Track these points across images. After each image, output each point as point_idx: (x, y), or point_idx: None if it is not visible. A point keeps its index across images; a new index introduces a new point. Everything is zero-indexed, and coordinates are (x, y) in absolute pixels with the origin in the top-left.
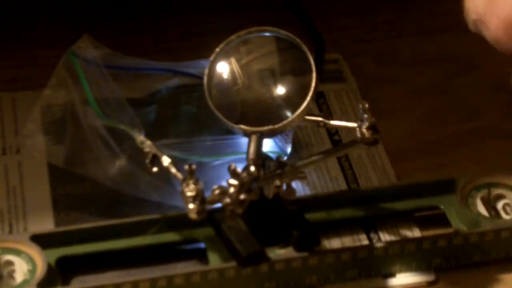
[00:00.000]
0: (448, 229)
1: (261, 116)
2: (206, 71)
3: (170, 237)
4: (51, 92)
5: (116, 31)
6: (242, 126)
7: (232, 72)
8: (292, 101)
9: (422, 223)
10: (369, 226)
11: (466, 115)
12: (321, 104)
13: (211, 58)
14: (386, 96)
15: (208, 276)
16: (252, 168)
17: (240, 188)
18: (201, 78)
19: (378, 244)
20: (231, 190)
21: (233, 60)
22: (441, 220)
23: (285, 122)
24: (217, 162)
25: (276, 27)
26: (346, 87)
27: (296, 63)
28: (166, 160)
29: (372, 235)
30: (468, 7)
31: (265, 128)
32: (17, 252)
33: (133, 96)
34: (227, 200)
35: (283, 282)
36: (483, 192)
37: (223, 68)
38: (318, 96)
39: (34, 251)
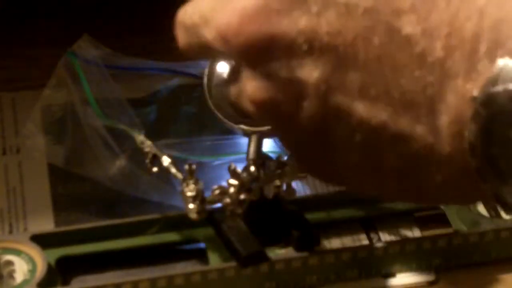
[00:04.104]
0: (448, 229)
1: None
2: (206, 71)
3: (170, 237)
4: (51, 92)
5: (116, 31)
6: (242, 126)
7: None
8: None
9: (422, 223)
10: (369, 226)
11: None
12: None
13: None
14: None
15: (208, 276)
16: (252, 168)
17: (240, 188)
18: (201, 78)
19: (378, 244)
20: (231, 190)
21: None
22: (441, 220)
23: None
24: (217, 162)
25: None
26: None
27: None
28: (166, 160)
29: (372, 235)
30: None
31: (265, 128)
32: (17, 252)
33: (133, 96)
34: (227, 200)
35: (283, 282)
36: None
37: (223, 68)
38: None
39: (34, 251)
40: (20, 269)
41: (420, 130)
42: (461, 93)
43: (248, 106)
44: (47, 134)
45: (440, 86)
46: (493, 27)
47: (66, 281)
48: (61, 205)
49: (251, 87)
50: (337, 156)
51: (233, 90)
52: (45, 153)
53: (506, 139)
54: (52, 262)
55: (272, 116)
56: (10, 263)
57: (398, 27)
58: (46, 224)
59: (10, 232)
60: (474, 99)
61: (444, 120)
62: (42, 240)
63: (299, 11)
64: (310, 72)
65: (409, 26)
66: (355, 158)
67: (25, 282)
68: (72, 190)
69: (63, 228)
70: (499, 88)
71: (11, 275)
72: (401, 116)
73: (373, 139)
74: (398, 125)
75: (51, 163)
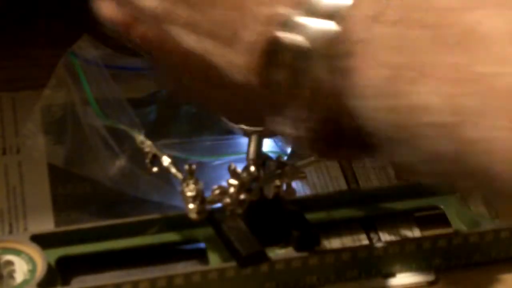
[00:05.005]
0: (448, 229)
1: None
2: None
3: (170, 237)
4: (51, 92)
5: None
6: (242, 126)
7: None
8: None
9: (422, 223)
10: (369, 226)
11: None
12: None
13: None
14: None
15: (208, 276)
16: (252, 168)
17: (240, 188)
18: None
19: (378, 244)
20: (231, 190)
21: None
22: (441, 220)
23: None
24: (217, 162)
25: None
26: None
27: None
28: (166, 160)
29: (372, 235)
30: None
31: (265, 128)
32: (17, 252)
33: (133, 96)
34: (227, 200)
35: (283, 282)
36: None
37: None
38: None
39: (34, 251)
40: (20, 269)
41: (224, 55)
42: (257, 29)
43: (104, 21)
44: (47, 134)
45: (242, 23)
46: None
47: (66, 281)
48: (61, 205)
49: (106, 6)
50: (176, 73)
51: (95, 4)
52: (45, 153)
53: (286, 64)
54: (52, 262)
55: (118, 32)
56: (10, 263)
57: None
58: (46, 224)
59: (10, 232)
60: (265, 31)
61: (244, 47)
62: (42, 240)
63: None
64: (153, 2)
65: None
66: (188, 76)
67: (25, 282)
68: (72, 190)
69: (63, 228)
70: (282, 22)
71: (11, 275)
72: (211, 44)
73: (195, 62)
74: (208, 51)
75: (51, 163)
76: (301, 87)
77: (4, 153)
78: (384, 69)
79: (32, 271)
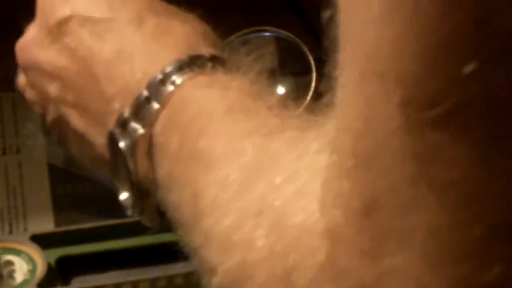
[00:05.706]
0: None
1: None
2: None
3: (170, 237)
4: None
5: None
6: None
7: None
8: (292, 101)
9: None
10: None
11: None
12: None
13: None
14: None
15: None
16: None
17: None
18: None
19: None
20: None
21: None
22: None
23: None
24: None
25: (276, 27)
26: None
27: (296, 63)
28: None
29: None
30: None
31: None
32: (17, 252)
33: None
34: None
35: None
36: None
37: None
38: (318, 96)
39: (34, 251)
40: (20, 269)
41: (96, 134)
42: (109, 123)
43: (29, 101)
44: (47, 134)
45: (104, 116)
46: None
47: (66, 281)
48: (61, 205)
49: (26, 89)
50: (71, 140)
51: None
52: (45, 153)
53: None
54: (52, 262)
55: (36, 108)
56: (10, 263)
57: (90, 65)
58: (46, 224)
59: (10, 232)
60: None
61: (103, 132)
62: (42, 240)
63: (48, 47)
64: (52, 89)
65: (97, 68)
66: (75, 143)
67: (25, 282)
68: (72, 190)
69: (63, 228)
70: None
71: (11, 275)
72: (88, 125)
73: (77, 136)
74: (88, 130)
75: (51, 163)
76: (130, 172)
77: (4, 153)
78: (166, 169)
79: (32, 271)
